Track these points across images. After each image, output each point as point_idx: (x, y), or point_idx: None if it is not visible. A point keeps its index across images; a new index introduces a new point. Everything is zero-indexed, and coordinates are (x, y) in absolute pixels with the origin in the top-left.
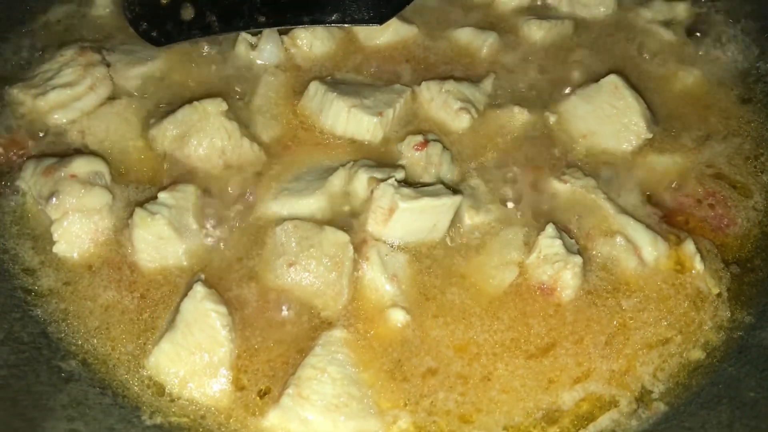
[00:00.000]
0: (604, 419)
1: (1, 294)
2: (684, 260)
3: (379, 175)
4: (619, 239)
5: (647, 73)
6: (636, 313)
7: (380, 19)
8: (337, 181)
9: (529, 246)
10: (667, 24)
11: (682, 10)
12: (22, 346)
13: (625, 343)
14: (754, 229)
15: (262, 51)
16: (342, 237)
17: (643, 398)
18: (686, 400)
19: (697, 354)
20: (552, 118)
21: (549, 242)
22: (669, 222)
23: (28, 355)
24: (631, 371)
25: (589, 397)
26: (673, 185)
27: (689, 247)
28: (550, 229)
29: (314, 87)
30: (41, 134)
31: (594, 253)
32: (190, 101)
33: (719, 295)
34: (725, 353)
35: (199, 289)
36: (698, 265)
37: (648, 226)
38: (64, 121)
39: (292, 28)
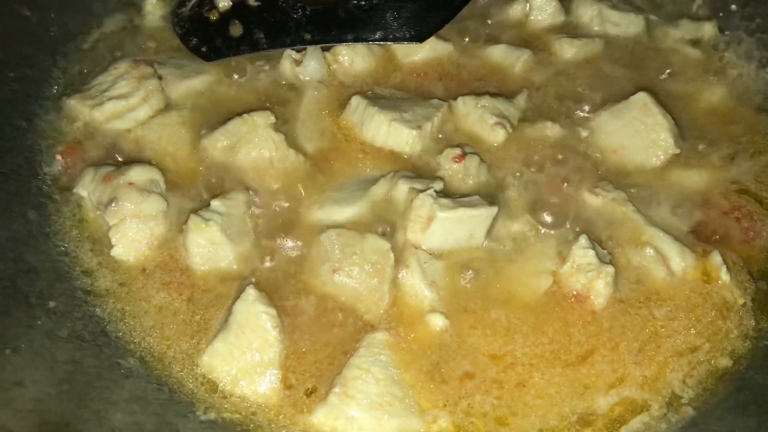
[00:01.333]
0: (636, 422)
1: (63, 294)
2: (710, 271)
3: (418, 186)
4: (648, 250)
5: (675, 90)
6: (667, 321)
7: (420, 38)
8: (378, 190)
9: (562, 256)
10: (695, 42)
11: (708, 29)
12: (84, 343)
13: (656, 350)
14: None
15: (306, 67)
16: (383, 245)
17: (672, 403)
18: (714, 406)
19: (725, 361)
20: (583, 133)
21: (582, 252)
22: (696, 234)
23: (90, 352)
24: (662, 377)
25: (622, 401)
26: (700, 199)
27: (716, 258)
28: (583, 239)
29: (356, 101)
30: (98, 143)
31: (625, 263)
32: (239, 114)
33: (744, 305)
34: (751, 361)
35: (251, 292)
36: (724, 276)
37: (676, 238)
38: (120, 130)
39: (334, 46)
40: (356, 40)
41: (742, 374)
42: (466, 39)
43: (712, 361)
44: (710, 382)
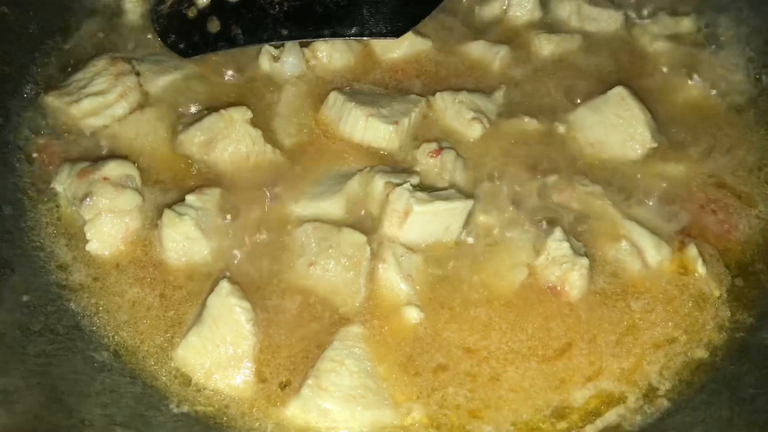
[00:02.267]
0: (611, 414)
1: (38, 289)
2: (687, 264)
3: (395, 180)
4: (624, 243)
5: (653, 85)
6: (644, 313)
7: (396, 33)
8: (355, 185)
9: (537, 248)
10: (673, 38)
11: (687, 24)
12: (58, 337)
13: (634, 342)
14: (756, 235)
15: (284, 63)
16: (359, 238)
17: (648, 395)
18: (688, 397)
19: (701, 353)
20: (561, 128)
21: (557, 245)
22: (673, 227)
23: (63, 346)
24: (639, 369)
25: (599, 394)
26: (677, 193)
27: (692, 251)
28: (557, 232)
29: (333, 97)
30: (75, 139)
31: (601, 256)
32: (216, 109)
33: (720, 296)
34: (727, 352)
35: (224, 285)
36: (700, 269)
37: (652, 232)
38: (97, 126)
39: (313, 41)
40: (333, 35)
41: (717, 365)
42: (445, 35)
43: (689, 353)
44: (686, 374)
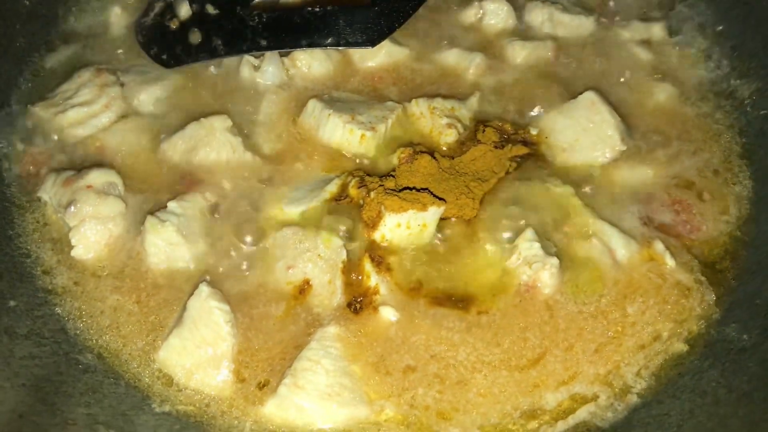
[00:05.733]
0: (582, 412)
1: (24, 294)
2: (656, 258)
3: (370, 184)
4: (594, 241)
5: (624, 89)
6: (611, 306)
7: (372, 43)
8: (332, 189)
9: (510, 249)
10: (644, 43)
11: (657, 30)
12: (44, 340)
13: (616, 349)
14: (722, 235)
15: (264, 72)
16: (336, 241)
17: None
18: (655, 392)
19: (671, 348)
20: (533, 132)
21: (528, 245)
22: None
23: (48, 349)
24: (615, 370)
25: (572, 396)
26: (645, 193)
27: (658, 246)
28: (528, 233)
29: (312, 104)
30: (61, 149)
31: (572, 254)
32: (197, 118)
33: (690, 289)
34: (693, 348)
35: (204, 289)
36: (669, 261)
37: (621, 230)
38: (82, 136)
39: (292, 51)
40: (310, 45)
41: (683, 360)
42: (421, 43)
43: (658, 350)
44: (652, 369)
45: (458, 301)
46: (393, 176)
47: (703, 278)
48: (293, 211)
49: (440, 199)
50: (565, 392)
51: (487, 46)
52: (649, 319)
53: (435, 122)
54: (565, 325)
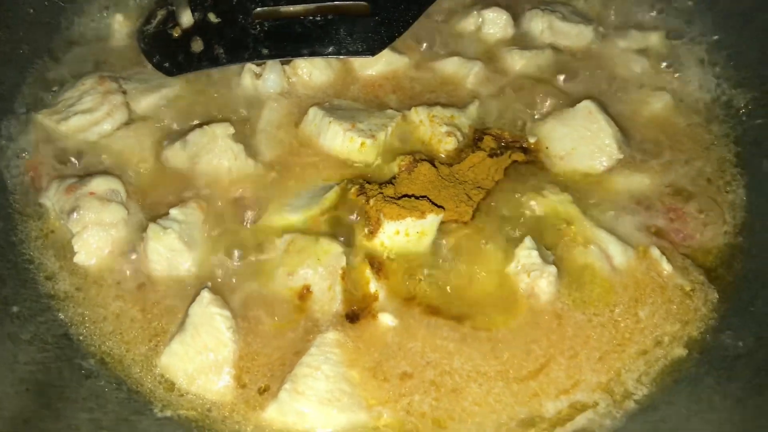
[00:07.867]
0: (581, 419)
1: (27, 299)
2: (652, 264)
3: (370, 192)
4: (592, 248)
5: (621, 98)
6: (609, 312)
7: (372, 51)
8: (332, 196)
9: (508, 257)
10: (641, 52)
11: (655, 40)
12: (47, 345)
13: (618, 356)
14: (716, 243)
15: (266, 80)
16: (336, 248)
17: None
18: (652, 398)
19: (671, 354)
20: (532, 140)
21: (526, 253)
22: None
23: (52, 354)
24: (617, 377)
25: (573, 404)
26: (640, 201)
27: (654, 252)
28: (527, 241)
29: (313, 112)
30: (64, 156)
31: (570, 262)
32: (200, 125)
33: (687, 294)
34: (690, 354)
35: (205, 295)
36: (666, 266)
37: (618, 237)
38: (85, 143)
39: (293, 59)
40: (311, 54)
41: (679, 366)
42: (421, 52)
43: (655, 357)
44: (652, 376)
45: (455, 309)
46: (392, 184)
47: (702, 278)
48: (294, 218)
49: (439, 206)
50: (566, 401)
51: (487, 54)
52: (658, 321)
53: (434, 130)
54: (573, 332)
